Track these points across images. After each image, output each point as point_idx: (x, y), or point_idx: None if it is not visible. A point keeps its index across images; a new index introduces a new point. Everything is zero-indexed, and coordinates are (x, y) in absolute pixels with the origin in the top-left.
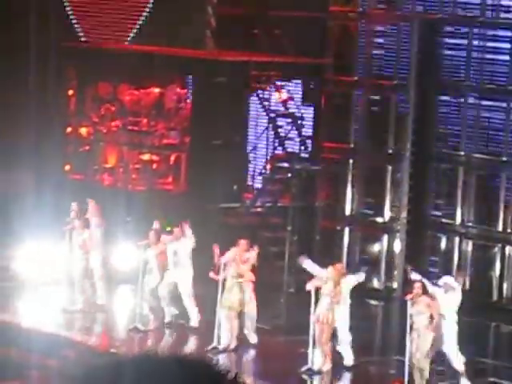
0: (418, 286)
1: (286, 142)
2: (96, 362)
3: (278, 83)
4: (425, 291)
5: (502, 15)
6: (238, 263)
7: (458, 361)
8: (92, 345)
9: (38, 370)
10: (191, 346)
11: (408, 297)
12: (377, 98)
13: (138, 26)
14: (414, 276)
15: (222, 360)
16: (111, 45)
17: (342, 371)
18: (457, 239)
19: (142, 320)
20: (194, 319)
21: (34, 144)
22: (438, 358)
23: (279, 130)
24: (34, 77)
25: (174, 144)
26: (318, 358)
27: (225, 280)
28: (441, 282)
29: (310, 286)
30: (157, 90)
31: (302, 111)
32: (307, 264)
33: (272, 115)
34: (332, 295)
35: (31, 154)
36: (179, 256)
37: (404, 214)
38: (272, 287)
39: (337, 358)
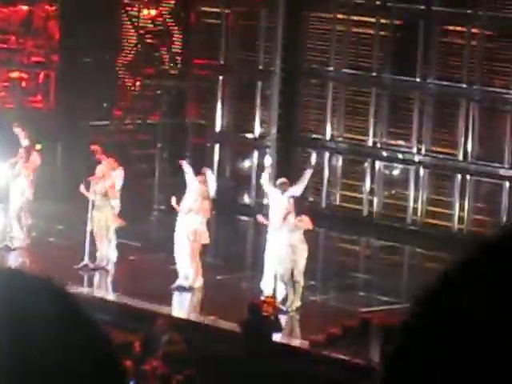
0: (290, 202)
1: (155, 58)
2: None
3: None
4: (296, 207)
5: None
6: (105, 181)
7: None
8: None
9: None
10: (60, 263)
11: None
12: (245, 12)
13: None
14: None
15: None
16: None
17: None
18: (327, 154)
19: (12, 238)
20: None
21: None
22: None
23: (148, 46)
24: None
25: (43, 62)
26: (189, 275)
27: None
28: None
29: (174, 202)
30: (25, 8)
31: (171, 28)
32: (186, 166)
33: (141, 32)
34: (202, 211)
35: None
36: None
37: (274, 130)
38: (142, 205)
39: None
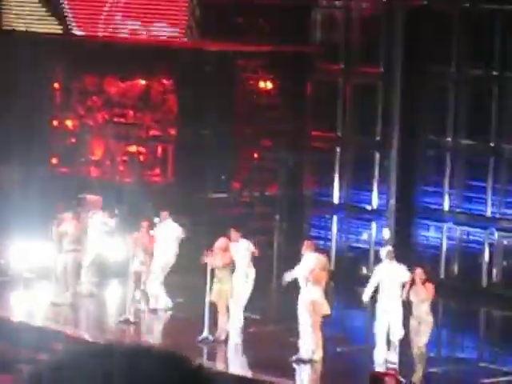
0: (418, 272)
1: (272, 131)
2: (82, 350)
3: (264, 72)
4: (426, 279)
5: None
6: (224, 253)
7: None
8: (81, 337)
9: (28, 364)
10: (182, 336)
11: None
12: (363, 85)
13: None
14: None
15: (213, 350)
16: (97, 37)
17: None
18: (445, 226)
19: (134, 311)
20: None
21: (21, 138)
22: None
23: (266, 119)
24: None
25: (161, 135)
26: (309, 347)
27: (213, 270)
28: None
29: (288, 277)
30: (143, 82)
31: (288, 100)
32: (289, 277)
33: (257, 104)
34: (320, 282)
35: (18, 148)
36: (165, 244)
37: (392, 201)
38: (261, 276)
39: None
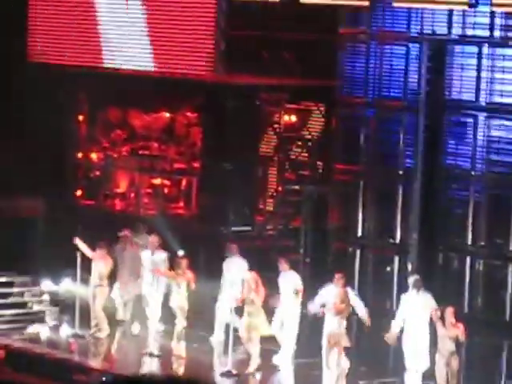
0: (450, 311)
1: (297, 164)
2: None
3: (288, 106)
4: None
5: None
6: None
7: None
8: (103, 369)
9: None
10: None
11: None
12: (385, 116)
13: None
14: None
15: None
16: (121, 69)
17: None
18: (468, 259)
19: (157, 345)
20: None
21: (46, 170)
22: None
23: (290, 152)
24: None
25: (185, 168)
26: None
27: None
28: None
29: (312, 309)
30: (167, 115)
31: (312, 133)
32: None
33: (282, 138)
34: (340, 313)
35: (43, 179)
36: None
37: (415, 235)
38: None
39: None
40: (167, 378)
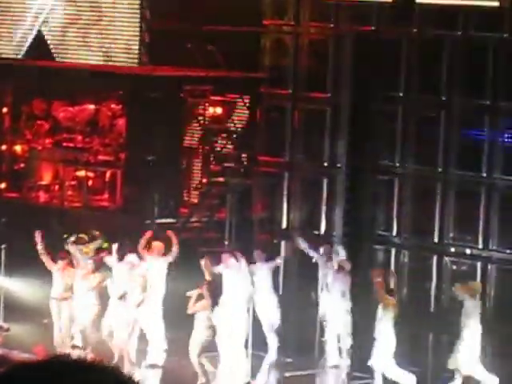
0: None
1: (222, 156)
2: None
3: (213, 98)
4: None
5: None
6: None
7: None
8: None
9: None
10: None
11: None
12: (311, 110)
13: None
14: None
15: None
16: (45, 61)
17: None
18: (393, 251)
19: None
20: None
21: None
22: None
23: (215, 144)
24: None
25: (110, 160)
26: None
27: None
28: None
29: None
30: (91, 107)
31: (237, 125)
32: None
33: (206, 130)
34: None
35: None
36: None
37: (340, 227)
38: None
39: None
40: (81, 363)
